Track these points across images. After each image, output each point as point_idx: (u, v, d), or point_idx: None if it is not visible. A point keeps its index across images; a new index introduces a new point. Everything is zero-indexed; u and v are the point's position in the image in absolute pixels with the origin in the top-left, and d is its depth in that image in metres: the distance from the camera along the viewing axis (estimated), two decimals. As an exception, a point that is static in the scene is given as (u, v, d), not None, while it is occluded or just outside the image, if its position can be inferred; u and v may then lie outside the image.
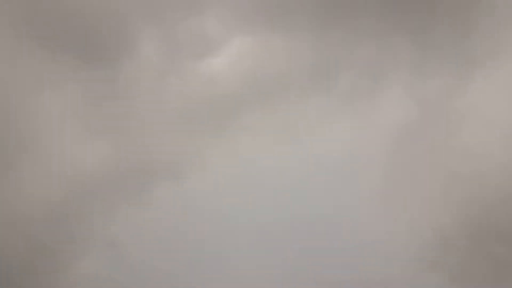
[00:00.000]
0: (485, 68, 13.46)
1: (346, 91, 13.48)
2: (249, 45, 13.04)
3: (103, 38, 12.22)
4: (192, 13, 12.57)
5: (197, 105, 12.71)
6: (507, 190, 12.69)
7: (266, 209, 12.76)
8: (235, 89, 12.91)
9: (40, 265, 11.54)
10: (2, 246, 11.26)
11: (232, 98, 12.87)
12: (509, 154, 12.88)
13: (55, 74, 11.96)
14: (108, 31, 12.22)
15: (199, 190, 12.39)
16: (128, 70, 12.40)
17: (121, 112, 12.35)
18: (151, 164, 12.42)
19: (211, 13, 12.64)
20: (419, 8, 13.49)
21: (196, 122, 12.71)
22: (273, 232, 12.74)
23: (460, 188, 13.06)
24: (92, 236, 11.97)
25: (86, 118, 12.22)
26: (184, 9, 12.51)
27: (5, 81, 11.69)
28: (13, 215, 11.47)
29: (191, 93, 12.69)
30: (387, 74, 13.67)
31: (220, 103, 12.83)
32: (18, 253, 11.35)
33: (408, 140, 13.48)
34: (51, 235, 11.73)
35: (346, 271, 12.53)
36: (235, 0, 12.71)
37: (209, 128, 12.76)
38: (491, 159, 12.92)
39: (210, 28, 12.75)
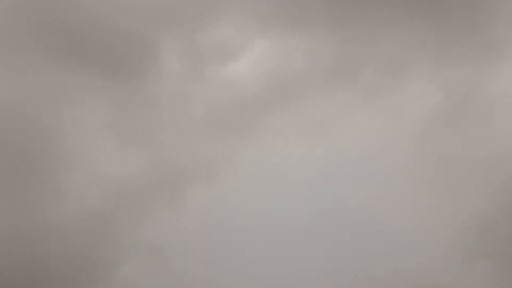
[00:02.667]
0: (509, 53, 13.38)
1: (370, 84, 13.60)
2: (268, 47, 13.31)
3: (129, 53, 12.68)
4: (209, 21, 12.94)
5: (222, 110, 13.01)
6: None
7: (299, 206, 12.87)
8: (258, 91, 13.17)
9: (83, 272, 11.87)
10: (47, 255, 11.66)
11: (255, 100, 13.13)
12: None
13: (85, 89, 12.44)
14: (132, 45, 12.68)
15: (231, 191, 12.59)
16: (154, 81, 12.81)
17: (150, 121, 12.73)
18: (183, 169, 12.71)
19: (228, 20, 12.97)
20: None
21: (222, 126, 13.01)
22: (308, 229, 12.82)
23: (494, 172, 12.94)
24: (131, 242, 12.25)
25: (118, 129, 12.62)
26: (202, 18, 12.89)
27: (39, 98, 12.22)
28: (55, 226, 11.87)
29: (215, 98, 13.01)
30: (410, 65, 13.74)
31: (245, 106, 13.10)
32: (61, 262, 11.72)
33: (437, 129, 13.49)
34: (92, 243, 12.07)
35: (387, 262, 12.47)
36: (250, 4, 13.00)
37: (235, 130, 13.02)
38: (523, 141, 12.76)
39: (228, 34, 13.09)
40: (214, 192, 12.59)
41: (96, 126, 12.49)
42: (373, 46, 13.62)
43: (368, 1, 13.48)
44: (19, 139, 11.98)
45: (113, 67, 12.58)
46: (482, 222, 12.68)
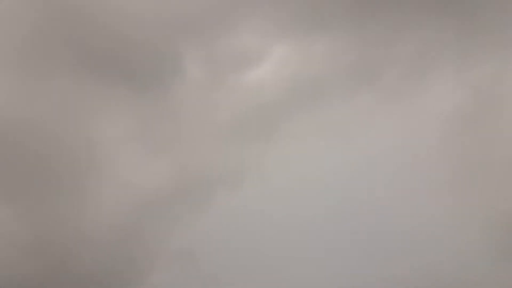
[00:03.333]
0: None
1: (392, 85, 13.58)
2: (288, 52, 13.39)
3: (151, 63, 12.91)
4: (229, 29, 13.08)
5: (245, 116, 13.14)
6: None
7: (324, 208, 12.91)
8: (280, 96, 13.27)
9: (113, 280, 12.12)
10: (78, 265, 11.95)
11: (278, 105, 13.24)
12: None
13: (109, 101, 12.71)
14: (154, 56, 12.91)
15: (257, 195, 12.69)
16: (177, 90, 13.01)
17: (174, 130, 12.93)
18: (209, 175, 12.87)
19: (247, 26, 13.08)
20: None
21: (246, 132, 13.13)
22: (335, 230, 12.86)
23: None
24: (160, 249, 12.45)
25: (143, 139, 12.85)
26: (221, 26, 13.06)
27: (64, 111, 12.54)
28: (85, 236, 12.15)
29: (238, 104, 13.15)
30: (432, 65, 13.70)
31: (267, 111, 13.22)
32: (92, 270, 12.00)
33: (462, 128, 13.42)
34: (121, 252, 12.32)
35: (414, 262, 12.46)
36: (269, 10, 13.11)
37: (259, 135, 13.13)
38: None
39: (248, 40, 13.18)
40: (240, 196, 12.70)
41: (122, 136, 12.74)
42: (394, 47, 13.62)
43: (387, 2, 13.51)
44: (46, 152, 12.30)
45: (136, 78, 12.85)
46: (508, 221, 12.59)
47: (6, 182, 12.28)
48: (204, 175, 12.86)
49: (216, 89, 13.18)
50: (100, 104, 12.66)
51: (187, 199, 12.72)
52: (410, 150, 13.25)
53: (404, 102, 13.51)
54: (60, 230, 12.14)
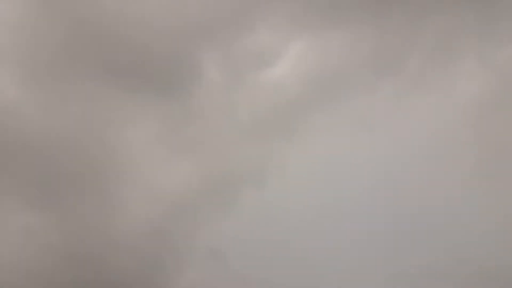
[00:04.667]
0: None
1: (415, 74, 13.46)
2: (305, 47, 13.39)
3: (170, 67, 13.12)
4: (244, 28, 13.16)
5: (266, 114, 13.22)
6: None
7: (350, 203, 12.88)
8: (301, 92, 13.29)
9: (143, 282, 12.36)
10: (109, 269, 12.24)
11: (299, 101, 13.27)
12: None
13: (134, 108, 12.96)
14: (173, 60, 13.12)
15: (282, 191, 12.74)
16: (197, 92, 13.17)
17: (196, 132, 13.10)
18: (234, 175, 13.00)
19: (262, 24, 13.14)
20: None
21: (267, 130, 13.22)
22: (362, 225, 12.82)
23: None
24: (190, 249, 12.63)
25: (165, 142, 13.06)
26: (236, 25, 13.14)
27: (89, 119, 12.86)
28: (114, 240, 12.44)
29: (258, 103, 13.23)
30: (455, 50, 13.55)
31: (288, 108, 13.26)
32: (122, 273, 12.27)
33: (488, 113, 13.23)
34: (152, 253, 12.57)
35: (451, 252, 12.38)
36: (282, 6, 13.16)
37: (280, 133, 13.20)
38: None
39: (264, 39, 13.23)
40: (265, 194, 12.80)
41: (146, 141, 12.99)
42: (414, 35, 13.49)
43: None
44: (74, 160, 12.65)
45: (156, 83, 13.10)
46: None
47: (37, 191, 12.65)
48: (228, 175, 13.00)
49: (236, 89, 13.30)
50: (124, 110, 12.93)
51: (213, 200, 12.88)
52: (437, 140, 13.10)
53: (427, 91, 13.41)
54: (90, 236, 12.44)
